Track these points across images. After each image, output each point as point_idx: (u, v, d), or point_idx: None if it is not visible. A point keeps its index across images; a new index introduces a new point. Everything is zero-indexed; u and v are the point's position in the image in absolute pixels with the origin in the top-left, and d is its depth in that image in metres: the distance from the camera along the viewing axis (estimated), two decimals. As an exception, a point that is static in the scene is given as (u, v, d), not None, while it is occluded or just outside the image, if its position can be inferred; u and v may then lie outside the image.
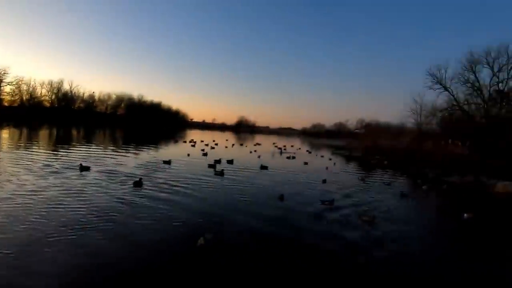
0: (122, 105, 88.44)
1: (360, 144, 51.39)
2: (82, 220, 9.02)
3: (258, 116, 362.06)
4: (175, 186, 14.65)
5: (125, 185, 14.02)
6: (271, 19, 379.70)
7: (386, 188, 19.28)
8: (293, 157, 35.51)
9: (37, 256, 6.65)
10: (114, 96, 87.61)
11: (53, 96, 74.76)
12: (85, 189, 12.66)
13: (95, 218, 9.25)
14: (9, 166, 16.05)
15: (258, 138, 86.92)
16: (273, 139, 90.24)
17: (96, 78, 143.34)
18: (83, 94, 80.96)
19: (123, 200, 11.55)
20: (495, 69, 35.81)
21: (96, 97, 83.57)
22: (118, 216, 9.72)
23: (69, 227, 8.34)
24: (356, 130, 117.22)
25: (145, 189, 13.56)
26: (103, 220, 9.15)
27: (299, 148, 54.49)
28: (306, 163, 29.94)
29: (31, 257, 6.61)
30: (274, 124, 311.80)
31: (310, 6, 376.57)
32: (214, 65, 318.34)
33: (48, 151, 23.66)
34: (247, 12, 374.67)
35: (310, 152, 46.66)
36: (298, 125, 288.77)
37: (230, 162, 24.92)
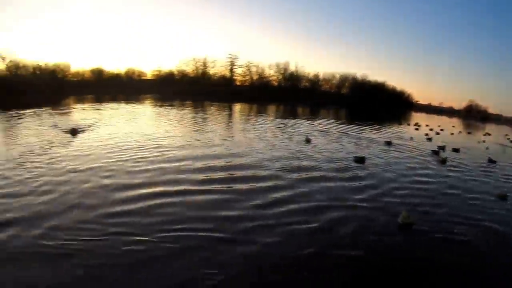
0: (346, 84, 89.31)
1: None
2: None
3: (490, 102, 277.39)
4: (390, 165, 14.23)
5: (347, 160, 14.33)
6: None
7: None
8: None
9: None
10: (338, 76, 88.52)
11: (280, 77, 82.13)
12: (309, 155, 14.57)
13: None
14: (240, 136, 19.35)
15: (489, 127, 70.00)
16: (506, 130, 69.25)
17: (320, 58, 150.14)
18: (308, 74, 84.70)
19: (344, 172, 12.10)
20: None
21: (321, 77, 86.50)
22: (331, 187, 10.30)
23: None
24: None
25: (368, 166, 13.58)
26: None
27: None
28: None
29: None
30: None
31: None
32: (445, 43, 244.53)
33: (273, 124, 26.92)
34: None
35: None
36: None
37: (456, 150, 21.52)
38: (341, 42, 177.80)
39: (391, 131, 29.93)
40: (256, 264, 5.86)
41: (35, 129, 19.01)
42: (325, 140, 19.59)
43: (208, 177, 10.50)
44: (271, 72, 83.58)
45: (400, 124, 43.39)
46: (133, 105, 40.57)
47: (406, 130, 33.83)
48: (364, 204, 9.05)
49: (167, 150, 13.85)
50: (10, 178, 9.29)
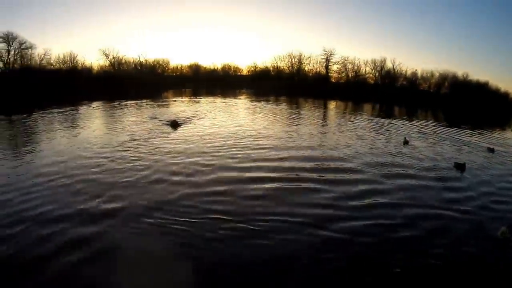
0: (446, 83, 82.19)
1: None
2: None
3: None
4: (491, 173, 13.71)
5: (446, 164, 14.15)
6: None
7: None
8: None
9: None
10: (437, 74, 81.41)
11: (377, 74, 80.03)
12: (400, 160, 14.26)
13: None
14: (336, 131, 21.33)
15: None
16: None
17: (418, 54, 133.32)
18: (406, 71, 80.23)
19: (441, 176, 12.03)
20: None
21: (419, 75, 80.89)
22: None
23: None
24: None
25: (468, 173, 13.08)
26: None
27: None
28: None
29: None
30: None
31: None
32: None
33: (369, 122, 27.96)
34: None
35: None
36: None
37: None
38: (439, 37, 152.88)
39: (494, 137, 28.47)
40: (337, 250, 6.31)
41: (137, 119, 21.69)
42: (424, 142, 19.93)
43: (300, 166, 11.64)
44: (367, 69, 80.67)
45: (503, 129, 39.33)
46: (229, 99, 44.20)
47: (509, 137, 31.49)
48: (458, 207, 8.99)
49: (264, 141, 15.66)
50: (118, 165, 10.96)
